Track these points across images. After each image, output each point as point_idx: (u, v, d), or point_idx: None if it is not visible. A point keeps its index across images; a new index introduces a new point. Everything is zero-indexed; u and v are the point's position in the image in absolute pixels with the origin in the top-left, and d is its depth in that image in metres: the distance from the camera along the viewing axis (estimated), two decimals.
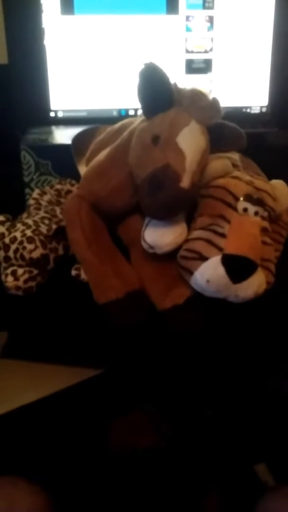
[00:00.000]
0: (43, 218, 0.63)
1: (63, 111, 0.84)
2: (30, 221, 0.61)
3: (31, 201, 0.69)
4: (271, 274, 0.55)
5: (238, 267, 0.52)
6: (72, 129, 0.77)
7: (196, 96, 0.53)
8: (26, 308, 0.61)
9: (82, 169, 0.70)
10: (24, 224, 0.60)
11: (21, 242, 0.58)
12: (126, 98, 0.83)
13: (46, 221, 0.62)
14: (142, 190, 0.52)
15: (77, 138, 0.74)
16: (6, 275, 0.58)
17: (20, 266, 0.59)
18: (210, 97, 0.54)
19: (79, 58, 0.81)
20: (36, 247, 0.58)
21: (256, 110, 0.88)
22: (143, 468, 0.72)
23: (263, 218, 0.56)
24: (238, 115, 0.86)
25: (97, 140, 0.68)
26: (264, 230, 0.56)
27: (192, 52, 0.84)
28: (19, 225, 0.60)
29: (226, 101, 0.84)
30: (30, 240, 0.58)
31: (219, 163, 0.57)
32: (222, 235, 0.53)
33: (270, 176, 0.63)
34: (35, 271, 0.59)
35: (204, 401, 0.81)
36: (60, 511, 0.61)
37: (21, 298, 0.59)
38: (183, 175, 0.50)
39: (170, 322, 0.56)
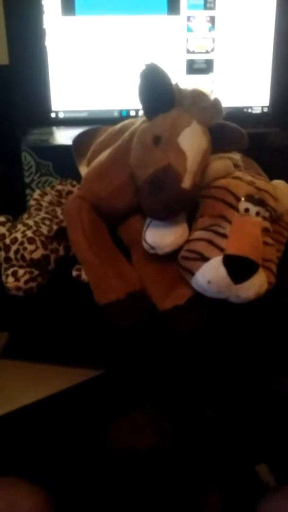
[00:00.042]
0: (44, 218, 0.63)
1: (64, 111, 0.84)
2: (31, 222, 0.61)
3: (32, 202, 0.69)
4: (272, 275, 0.55)
5: (239, 268, 0.52)
6: (73, 130, 0.77)
7: (198, 97, 0.53)
8: (26, 308, 0.61)
9: (83, 170, 0.70)
10: (25, 224, 0.60)
11: (22, 243, 0.58)
12: (127, 99, 0.83)
13: (47, 222, 0.62)
14: (143, 190, 0.52)
15: (78, 139, 0.74)
16: (7, 276, 0.58)
17: (20, 266, 0.59)
18: (212, 97, 0.54)
19: (80, 58, 0.81)
20: (36, 248, 0.58)
21: (257, 110, 0.88)
22: (144, 469, 0.72)
23: (264, 218, 0.56)
24: (240, 115, 0.86)
25: (98, 141, 0.68)
26: (265, 231, 0.55)
27: (193, 52, 0.83)
28: (19, 226, 0.60)
29: (228, 101, 0.83)
30: (31, 240, 0.58)
31: (220, 163, 0.57)
32: (223, 236, 0.53)
33: (271, 177, 0.63)
34: (36, 272, 0.59)
35: (205, 401, 0.80)
36: None
37: (21, 299, 0.59)
38: (184, 175, 0.50)
39: (171, 323, 0.56)
